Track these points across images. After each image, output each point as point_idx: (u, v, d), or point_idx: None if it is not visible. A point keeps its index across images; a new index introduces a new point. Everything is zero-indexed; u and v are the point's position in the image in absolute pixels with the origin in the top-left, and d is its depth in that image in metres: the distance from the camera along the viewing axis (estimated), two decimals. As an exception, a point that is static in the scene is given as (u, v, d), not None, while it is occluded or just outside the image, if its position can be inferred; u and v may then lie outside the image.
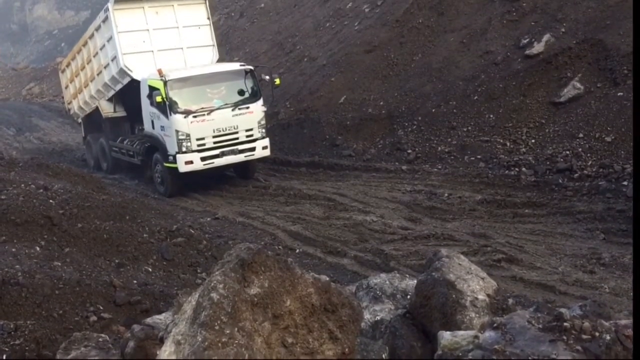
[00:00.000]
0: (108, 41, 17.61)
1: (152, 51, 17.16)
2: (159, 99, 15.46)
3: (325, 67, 21.51)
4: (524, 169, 14.23)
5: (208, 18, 17.96)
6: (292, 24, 27.99)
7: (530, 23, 17.30)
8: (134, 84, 17.27)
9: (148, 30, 17.22)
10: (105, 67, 18.16)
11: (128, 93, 18.04)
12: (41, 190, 10.29)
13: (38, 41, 59.97)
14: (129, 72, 17.00)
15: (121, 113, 18.69)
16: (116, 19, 16.96)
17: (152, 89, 16.08)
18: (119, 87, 17.94)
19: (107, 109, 18.80)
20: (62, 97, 23.75)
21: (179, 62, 17.35)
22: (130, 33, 17.05)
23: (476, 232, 11.58)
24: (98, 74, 18.75)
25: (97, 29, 18.35)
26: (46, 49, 56.03)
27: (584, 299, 7.66)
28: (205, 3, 17.96)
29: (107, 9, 17.27)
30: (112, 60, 17.57)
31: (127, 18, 17.07)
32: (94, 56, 18.86)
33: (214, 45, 18.06)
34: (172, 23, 17.46)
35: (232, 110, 16.09)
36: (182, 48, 17.51)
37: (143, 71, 16.91)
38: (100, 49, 18.27)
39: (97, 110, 19.64)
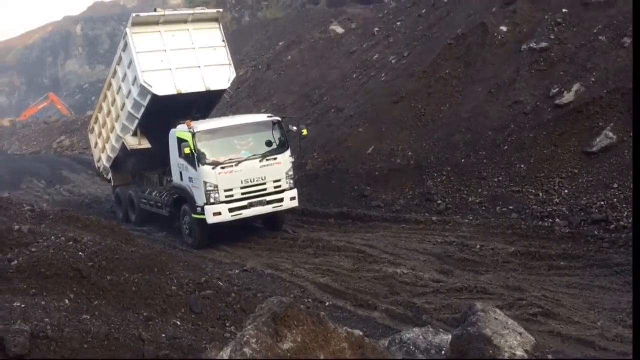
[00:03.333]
0: (129, 67, 18.17)
1: (171, 69, 17.63)
2: (187, 150, 15.59)
3: (353, 117, 21.60)
4: (558, 220, 13.95)
5: (223, 40, 18.50)
6: (318, 75, 28.31)
7: (560, 73, 17.23)
8: (157, 115, 17.56)
9: (165, 50, 17.77)
10: (127, 97, 18.66)
11: (152, 127, 18.35)
12: (71, 243, 10.28)
13: (69, 95, 61.43)
14: (148, 87, 17.37)
15: (146, 145, 18.99)
16: (134, 41, 17.58)
17: (180, 140, 16.23)
18: (142, 112, 18.21)
19: (133, 143, 19.15)
20: (92, 156, 24.24)
21: (197, 79, 17.85)
22: (149, 53, 17.61)
23: (510, 285, 11.30)
24: (122, 109, 19.24)
25: (119, 62, 18.98)
26: (77, 103, 57.37)
27: (625, 355, 7.38)
28: (220, 27, 18.59)
29: (126, 34, 17.93)
30: (134, 84, 18.09)
31: (145, 40, 17.69)
32: (118, 93, 19.45)
33: (230, 64, 18.49)
34: (188, 44, 18.04)
35: (260, 161, 16.13)
36: (199, 67, 17.98)
37: (162, 88, 17.38)
38: (123, 80, 18.83)
39: (125, 157, 20.04)
